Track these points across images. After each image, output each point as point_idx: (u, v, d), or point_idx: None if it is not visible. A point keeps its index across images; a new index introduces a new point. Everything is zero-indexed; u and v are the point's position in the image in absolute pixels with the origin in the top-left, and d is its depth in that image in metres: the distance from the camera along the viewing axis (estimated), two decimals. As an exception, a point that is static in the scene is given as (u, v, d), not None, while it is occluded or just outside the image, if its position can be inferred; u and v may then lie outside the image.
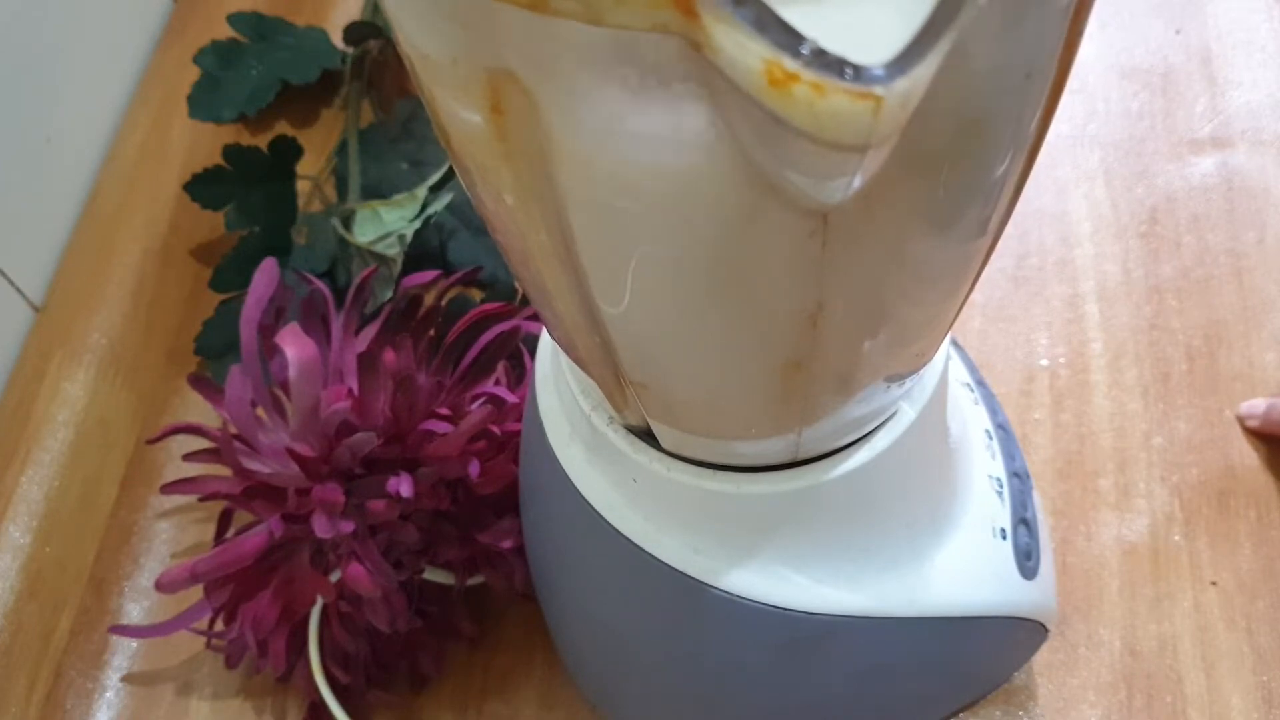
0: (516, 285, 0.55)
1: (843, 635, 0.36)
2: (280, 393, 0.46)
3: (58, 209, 0.63)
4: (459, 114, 0.21)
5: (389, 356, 0.44)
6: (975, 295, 0.35)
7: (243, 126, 0.65)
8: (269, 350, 0.46)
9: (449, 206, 0.56)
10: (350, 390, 0.44)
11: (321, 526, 0.41)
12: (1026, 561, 0.40)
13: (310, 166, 0.61)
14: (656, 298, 0.24)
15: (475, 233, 0.57)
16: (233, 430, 0.46)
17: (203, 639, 0.48)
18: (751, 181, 0.19)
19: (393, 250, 0.54)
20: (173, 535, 0.53)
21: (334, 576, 0.43)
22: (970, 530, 0.39)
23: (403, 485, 0.42)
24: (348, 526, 0.42)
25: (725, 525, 0.34)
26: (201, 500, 0.48)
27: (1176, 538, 0.49)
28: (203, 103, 0.62)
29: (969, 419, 0.41)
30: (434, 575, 0.45)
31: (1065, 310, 0.55)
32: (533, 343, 0.46)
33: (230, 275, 0.57)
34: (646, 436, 0.33)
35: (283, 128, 0.65)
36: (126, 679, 0.50)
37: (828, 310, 0.23)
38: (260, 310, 0.47)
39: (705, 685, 0.39)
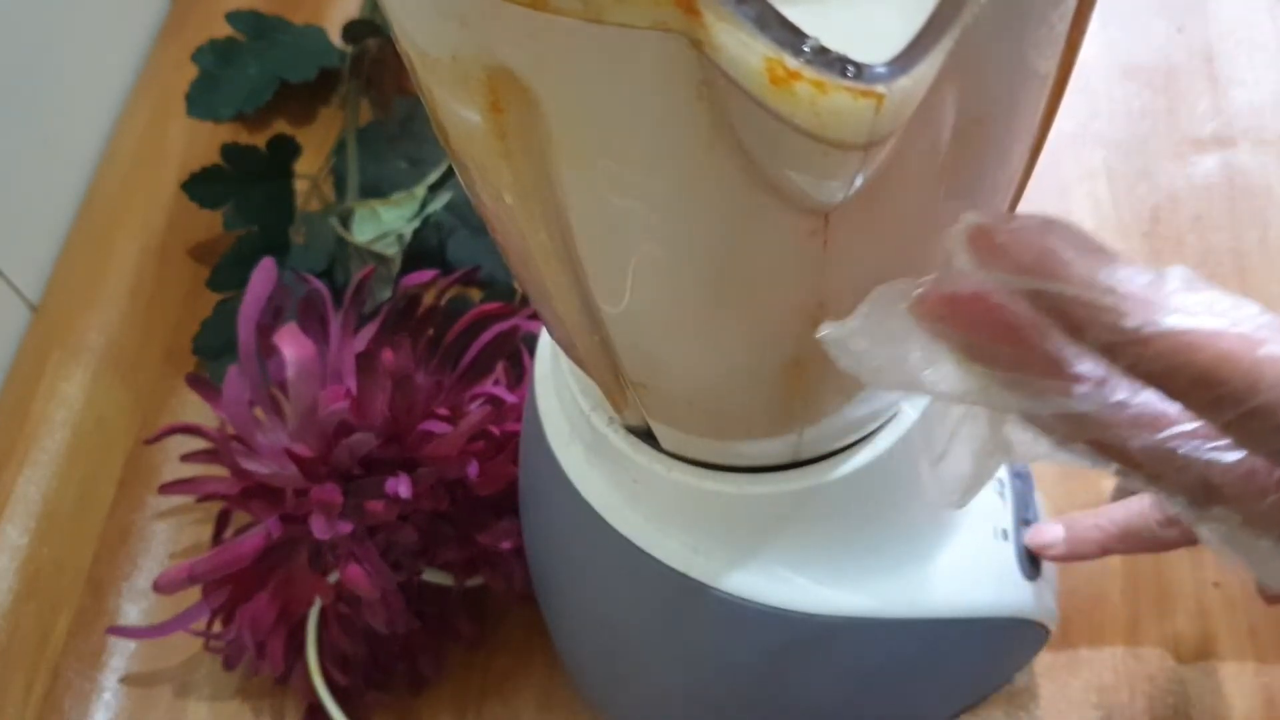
0: (516, 285, 0.54)
1: (844, 636, 0.36)
2: (278, 393, 0.46)
3: (55, 207, 0.62)
4: (458, 112, 0.21)
5: (387, 356, 0.44)
6: (977, 295, 0.35)
7: (241, 125, 0.65)
8: (267, 350, 0.46)
9: (448, 205, 0.56)
10: (348, 390, 0.44)
11: (320, 527, 0.41)
12: (1028, 562, 0.40)
13: (309, 165, 0.60)
14: (656, 297, 0.24)
15: (474, 232, 0.57)
16: (230, 430, 0.46)
17: (201, 640, 0.48)
18: (752, 181, 0.19)
19: (391, 249, 0.54)
20: (170, 536, 0.53)
21: (332, 578, 0.43)
22: (972, 531, 0.38)
23: (401, 486, 0.42)
24: (346, 527, 0.42)
25: (726, 526, 0.33)
26: (199, 501, 0.48)
27: (1178, 538, 0.49)
28: (200, 101, 0.61)
29: (971, 419, 0.41)
30: (433, 576, 0.45)
31: (1067, 310, 0.55)
32: (532, 343, 0.46)
33: (228, 274, 0.57)
34: (646, 437, 0.32)
35: (281, 126, 0.65)
36: (124, 680, 0.50)
37: (829, 309, 0.23)
38: (258, 310, 0.47)
39: (705, 687, 0.39)
